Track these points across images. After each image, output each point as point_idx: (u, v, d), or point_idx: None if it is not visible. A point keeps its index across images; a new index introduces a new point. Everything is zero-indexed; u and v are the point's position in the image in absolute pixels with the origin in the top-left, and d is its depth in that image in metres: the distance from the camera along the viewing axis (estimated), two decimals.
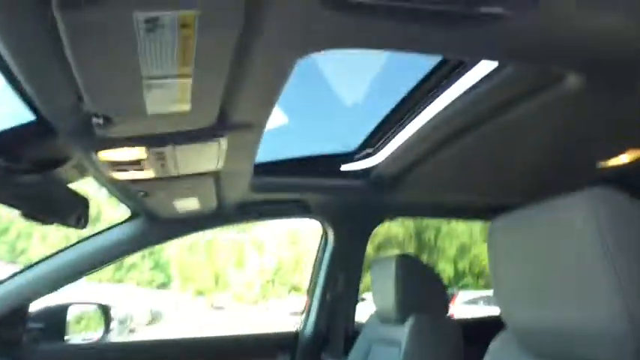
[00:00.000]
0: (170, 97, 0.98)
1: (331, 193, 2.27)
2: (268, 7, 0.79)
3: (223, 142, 1.35)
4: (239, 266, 19.99)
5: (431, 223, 19.87)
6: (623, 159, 1.90)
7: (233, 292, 19.63)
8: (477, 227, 20.27)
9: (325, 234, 2.49)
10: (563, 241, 0.84)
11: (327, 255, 2.46)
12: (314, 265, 2.56)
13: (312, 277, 2.56)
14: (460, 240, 20.46)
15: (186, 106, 1.05)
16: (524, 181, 2.11)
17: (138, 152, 1.31)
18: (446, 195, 2.36)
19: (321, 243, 2.54)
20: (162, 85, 0.92)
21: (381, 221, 2.51)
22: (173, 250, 18.73)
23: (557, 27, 0.91)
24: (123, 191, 1.73)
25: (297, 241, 20.71)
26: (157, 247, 18.02)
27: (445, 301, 2.00)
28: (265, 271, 20.18)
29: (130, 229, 2.17)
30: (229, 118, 1.22)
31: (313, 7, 0.80)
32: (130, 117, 1.07)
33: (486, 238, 1.08)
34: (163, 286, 18.56)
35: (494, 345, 1.11)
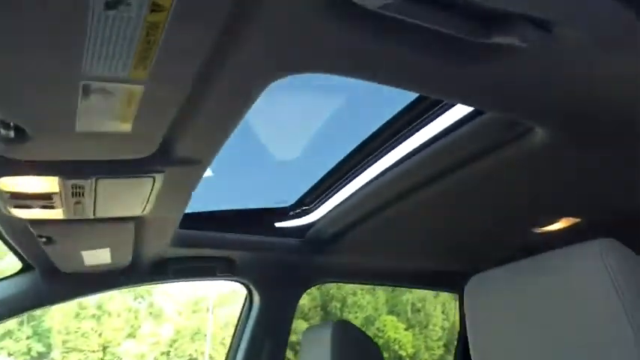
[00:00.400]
0: (111, 109, 0.79)
1: (261, 251, 2.07)
2: (259, 4, 0.65)
3: (158, 180, 1.14)
4: (132, 336, 18.35)
5: (337, 294, 19.87)
6: (556, 226, 1.92)
7: None
8: (382, 299, 20.56)
9: (250, 297, 2.27)
10: (568, 297, 0.77)
11: (251, 320, 2.22)
12: (235, 332, 2.30)
13: (231, 345, 2.29)
14: (365, 311, 20.55)
15: (126, 126, 0.85)
16: (467, 245, 2.07)
17: (49, 183, 1.06)
18: (387, 259, 2.25)
19: (244, 307, 2.30)
20: (105, 91, 0.73)
21: (313, 284, 2.33)
22: (57, 315, 16.85)
23: (561, 67, 0.86)
24: (19, 235, 1.42)
25: (199, 310, 19.63)
26: (38, 312, 16.12)
27: None
28: (161, 341, 18.71)
29: (20, 285, 1.81)
30: (172, 150, 1.04)
31: (312, 16, 0.68)
32: (51, 132, 0.85)
33: (465, 297, 0.97)
34: (41, 356, 16.45)
35: None
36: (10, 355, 15.45)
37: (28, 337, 16.30)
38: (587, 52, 0.81)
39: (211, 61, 0.74)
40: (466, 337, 2.89)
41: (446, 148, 1.39)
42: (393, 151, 1.68)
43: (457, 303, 2.71)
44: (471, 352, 0.95)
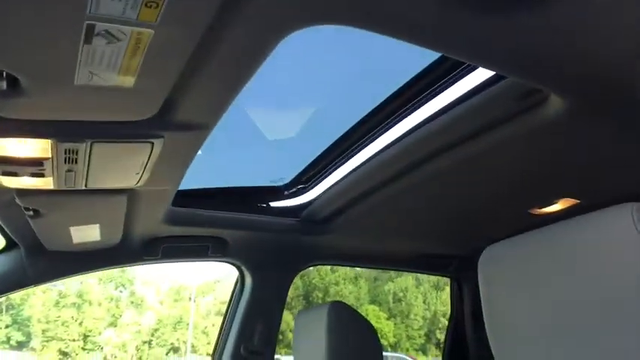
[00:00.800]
0: (115, 58, 0.73)
1: (255, 231, 2.02)
2: None
3: (157, 146, 1.08)
4: (113, 325, 18.18)
5: (319, 283, 19.95)
6: (554, 207, 1.90)
7: (104, 354, 17.71)
8: (364, 288, 20.69)
9: (242, 279, 2.22)
10: (596, 261, 0.74)
11: (242, 303, 2.17)
12: (225, 316, 2.25)
13: (222, 330, 2.24)
14: (348, 301, 20.70)
15: (129, 80, 0.79)
16: (461, 227, 2.04)
17: (41, 147, 0.99)
18: (382, 241, 2.20)
19: (235, 290, 2.25)
20: (110, 36, 0.67)
21: (306, 266, 2.29)
22: (37, 304, 16.60)
23: (594, 24, 0.81)
24: (3, 208, 1.35)
25: (181, 299, 19.54)
26: (18, 301, 15.85)
27: (380, 354, 1.81)
28: (142, 330, 18.59)
29: (3, 264, 1.74)
30: (174, 112, 0.98)
31: None
32: (47, 84, 0.78)
33: (479, 269, 0.94)
34: (21, 345, 16.20)
35: None
36: None
37: (7, 326, 16.05)
38: (628, 4, 0.76)
39: (227, 6, 0.68)
40: (457, 321, 2.87)
41: (448, 124, 1.35)
42: (392, 129, 1.65)
43: (449, 287, 2.70)
44: (486, 324, 0.92)
